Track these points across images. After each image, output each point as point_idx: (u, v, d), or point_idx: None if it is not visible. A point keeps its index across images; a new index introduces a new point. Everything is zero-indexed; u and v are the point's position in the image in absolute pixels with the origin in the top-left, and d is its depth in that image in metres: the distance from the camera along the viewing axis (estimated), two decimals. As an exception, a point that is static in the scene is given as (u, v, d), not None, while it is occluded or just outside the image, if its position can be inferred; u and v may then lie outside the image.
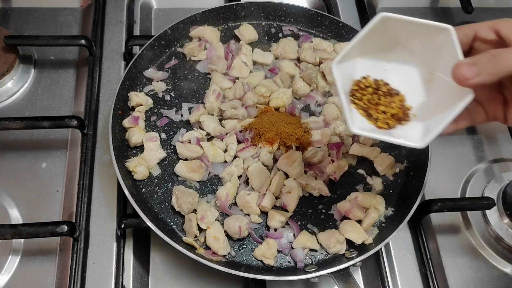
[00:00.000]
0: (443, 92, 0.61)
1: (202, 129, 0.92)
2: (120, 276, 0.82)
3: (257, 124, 0.90)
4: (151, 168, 0.87)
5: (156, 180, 0.87)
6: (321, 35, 1.09)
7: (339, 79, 0.61)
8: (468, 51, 0.62)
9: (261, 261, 0.80)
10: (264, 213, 0.84)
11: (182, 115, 0.95)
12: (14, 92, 1.02)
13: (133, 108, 0.93)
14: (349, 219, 0.84)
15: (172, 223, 0.83)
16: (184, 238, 0.80)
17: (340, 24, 1.06)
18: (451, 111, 0.57)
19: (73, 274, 0.79)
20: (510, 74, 0.55)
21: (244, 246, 0.82)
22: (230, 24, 1.08)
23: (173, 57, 1.02)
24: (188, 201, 0.82)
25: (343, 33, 1.07)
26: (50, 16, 1.14)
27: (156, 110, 0.95)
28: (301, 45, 1.05)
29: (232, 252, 0.81)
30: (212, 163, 0.88)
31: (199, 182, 0.87)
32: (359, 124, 0.61)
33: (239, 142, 0.91)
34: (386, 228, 0.84)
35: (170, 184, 0.87)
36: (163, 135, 0.92)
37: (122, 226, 0.83)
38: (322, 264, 0.80)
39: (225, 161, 0.89)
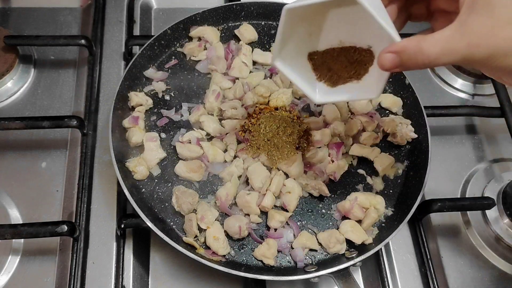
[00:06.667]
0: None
1: (202, 129, 0.92)
2: (120, 276, 0.82)
3: (252, 128, 0.91)
4: (151, 168, 0.87)
5: (156, 180, 0.87)
6: (321, 35, 1.09)
7: (287, 70, 0.68)
8: None
9: (261, 261, 0.80)
10: (264, 213, 0.84)
11: (182, 115, 0.95)
12: (14, 92, 1.02)
13: (133, 108, 0.93)
14: (349, 219, 0.84)
15: (172, 223, 0.83)
16: (184, 238, 0.80)
17: (340, 24, 1.06)
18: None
19: (73, 274, 0.79)
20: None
21: (244, 246, 0.82)
22: (230, 24, 1.08)
23: (173, 57, 1.02)
24: (188, 201, 0.82)
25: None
26: (50, 16, 1.14)
27: (156, 110, 0.95)
28: (301, 45, 1.04)
29: (232, 252, 0.81)
30: (212, 163, 0.88)
31: (199, 182, 0.87)
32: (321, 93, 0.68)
33: (239, 142, 0.91)
34: (386, 228, 0.84)
35: (170, 184, 0.87)
36: (163, 135, 0.92)
37: (122, 226, 0.83)
38: (322, 264, 0.80)
39: (225, 161, 0.89)
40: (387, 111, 1.00)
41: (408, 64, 0.56)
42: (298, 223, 0.85)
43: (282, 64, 0.68)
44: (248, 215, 0.83)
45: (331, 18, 0.66)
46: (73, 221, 0.84)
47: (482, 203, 0.90)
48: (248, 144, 0.90)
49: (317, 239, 0.83)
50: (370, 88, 0.66)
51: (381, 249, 0.87)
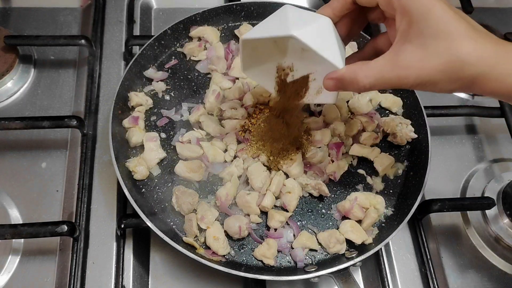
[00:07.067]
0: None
1: (202, 129, 0.92)
2: (120, 276, 0.82)
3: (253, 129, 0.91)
4: (151, 168, 0.87)
5: (156, 180, 0.87)
6: (321, 35, 1.09)
7: (256, 78, 0.81)
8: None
9: (261, 261, 0.80)
10: (264, 213, 0.84)
11: (182, 115, 0.95)
12: (14, 92, 1.02)
13: (133, 108, 0.93)
14: (349, 219, 0.84)
15: (172, 223, 0.83)
16: (184, 238, 0.80)
17: (340, 24, 1.06)
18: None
19: (73, 274, 0.79)
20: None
21: (244, 246, 0.82)
22: (230, 24, 1.08)
23: (173, 57, 1.02)
24: (188, 201, 0.82)
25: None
26: (50, 16, 1.14)
27: (156, 110, 0.95)
28: (301, 45, 1.04)
29: (232, 252, 0.81)
30: (212, 163, 0.88)
31: (199, 182, 0.87)
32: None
33: (239, 142, 0.91)
34: (386, 228, 0.84)
35: (170, 184, 0.87)
36: (163, 135, 0.92)
37: (122, 226, 0.83)
38: (322, 264, 0.80)
39: (225, 161, 0.89)
40: (387, 111, 1.00)
41: (348, 88, 0.62)
42: (298, 223, 0.85)
43: (250, 73, 0.79)
44: (248, 215, 0.83)
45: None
46: (73, 221, 0.84)
47: (482, 203, 0.90)
48: (248, 144, 0.90)
49: (317, 239, 0.83)
50: (328, 95, 0.74)
51: (381, 249, 0.87)
